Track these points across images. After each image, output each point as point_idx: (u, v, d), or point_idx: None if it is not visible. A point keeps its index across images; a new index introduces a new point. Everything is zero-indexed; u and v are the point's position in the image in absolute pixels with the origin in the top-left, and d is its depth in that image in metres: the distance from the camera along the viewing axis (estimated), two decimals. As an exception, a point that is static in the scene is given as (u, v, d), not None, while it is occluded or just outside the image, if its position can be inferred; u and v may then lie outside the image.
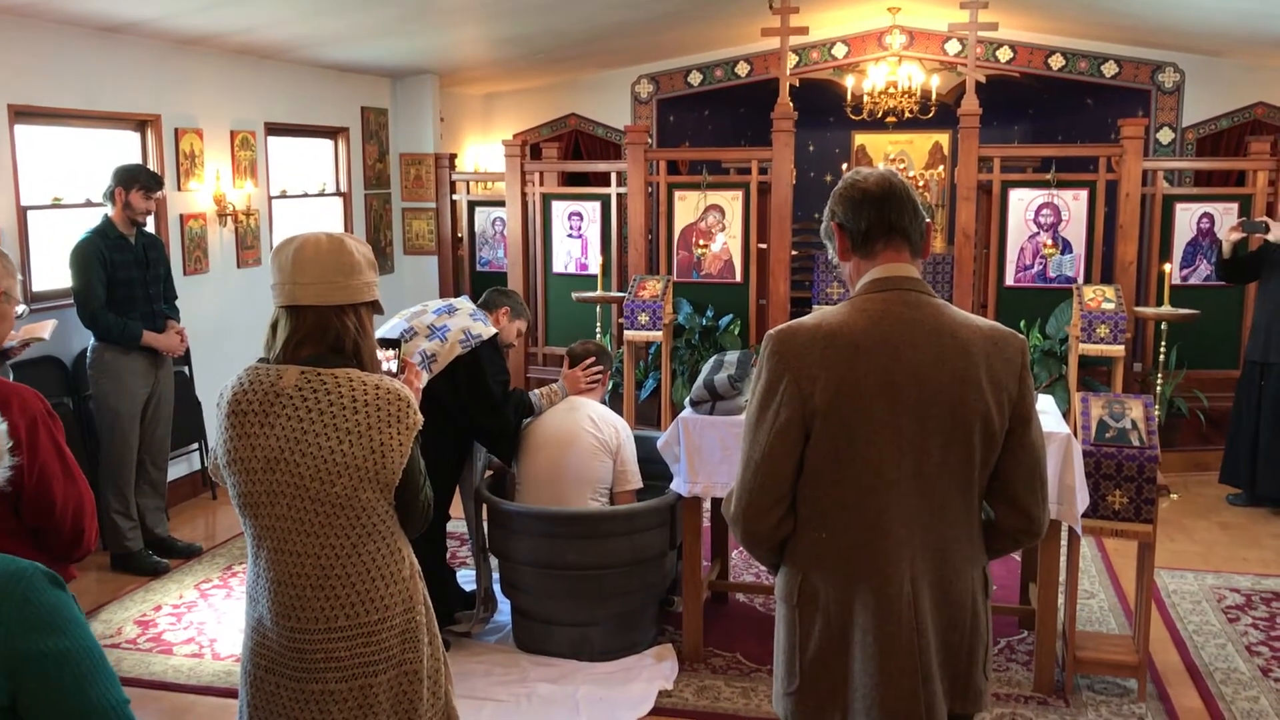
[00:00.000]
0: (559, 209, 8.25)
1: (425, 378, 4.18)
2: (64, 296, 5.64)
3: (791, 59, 8.78)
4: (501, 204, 8.52)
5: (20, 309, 2.91)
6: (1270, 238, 6.29)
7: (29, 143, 5.63)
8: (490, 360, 4.33)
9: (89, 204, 5.85)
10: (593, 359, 4.68)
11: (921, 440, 2.08)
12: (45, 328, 4.80)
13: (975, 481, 2.15)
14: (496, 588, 4.71)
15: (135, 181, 5.24)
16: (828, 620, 2.13)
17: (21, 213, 5.48)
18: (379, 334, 4.40)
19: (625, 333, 6.97)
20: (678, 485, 4.19)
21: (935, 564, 2.13)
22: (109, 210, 5.28)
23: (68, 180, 5.88)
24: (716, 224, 7.74)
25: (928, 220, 2.23)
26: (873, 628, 2.09)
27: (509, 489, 4.66)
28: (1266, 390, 6.17)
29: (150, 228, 5.77)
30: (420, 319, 4.37)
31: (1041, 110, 11.55)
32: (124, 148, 6.19)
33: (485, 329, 4.36)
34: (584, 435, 4.44)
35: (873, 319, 2.11)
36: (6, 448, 1.89)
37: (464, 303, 4.52)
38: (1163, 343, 6.83)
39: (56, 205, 5.79)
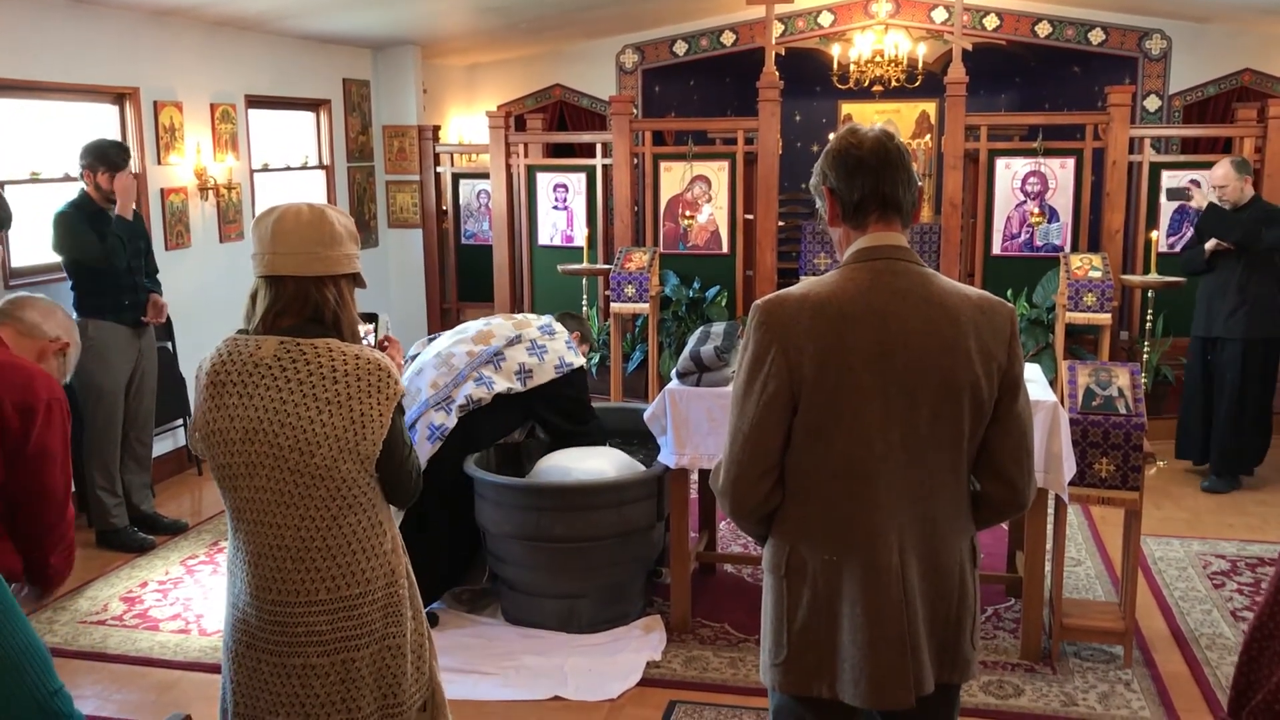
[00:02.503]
0: (544, 181, 8.19)
1: (518, 386, 4.50)
2: (43, 272, 5.59)
3: (777, 28, 8.72)
4: (486, 176, 8.46)
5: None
6: (1194, 204, 6.23)
7: (4, 116, 5.55)
8: (582, 389, 4.73)
9: (67, 178, 5.79)
10: None
11: (910, 410, 2.06)
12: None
13: (964, 451, 2.13)
14: None
15: (100, 163, 5.14)
16: (815, 591, 2.12)
17: (-2, 187, 5.42)
18: (472, 325, 4.59)
19: (612, 305, 6.95)
20: (665, 457, 4.18)
21: (924, 534, 2.11)
22: (85, 186, 5.22)
23: (45, 154, 5.81)
24: (703, 195, 7.70)
25: (920, 185, 2.21)
26: (861, 598, 2.08)
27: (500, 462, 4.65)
28: (1215, 365, 6.06)
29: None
30: (526, 331, 4.65)
31: (1028, 78, 11.51)
32: (102, 121, 6.11)
33: (577, 359, 4.68)
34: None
35: (861, 288, 2.09)
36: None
37: (559, 327, 4.80)
38: (1149, 310, 6.83)
39: (34, 180, 5.72)
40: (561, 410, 4.63)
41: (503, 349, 4.53)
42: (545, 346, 4.61)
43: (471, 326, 4.73)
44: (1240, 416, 6.01)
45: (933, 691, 2.14)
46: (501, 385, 4.45)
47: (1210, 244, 5.91)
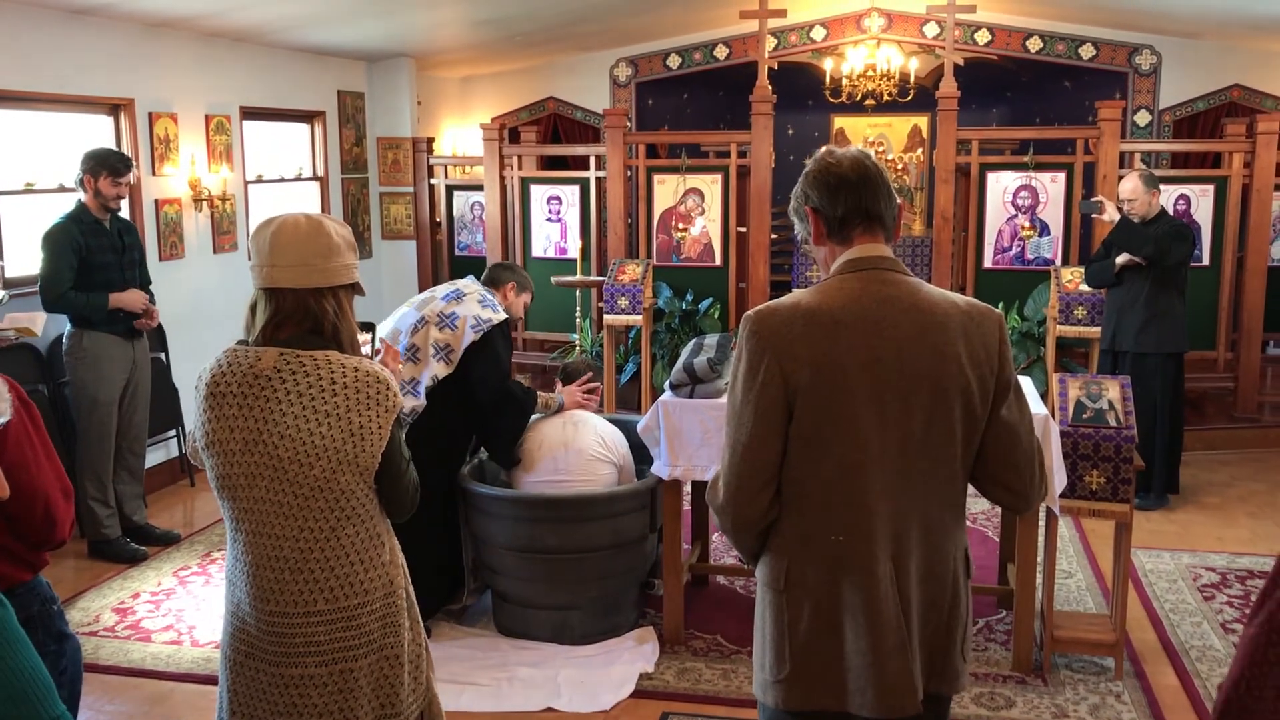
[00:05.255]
0: (538, 193, 8.22)
1: (443, 368, 4.24)
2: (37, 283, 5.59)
3: (770, 42, 8.76)
4: (480, 188, 8.48)
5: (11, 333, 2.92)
6: (1104, 218, 6.19)
7: None
8: (502, 347, 4.37)
9: (62, 189, 5.79)
10: (588, 376, 4.76)
11: (904, 417, 2.07)
12: (37, 322, 4.79)
13: (959, 458, 2.13)
14: None
15: (102, 167, 5.16)
16: (817, 603, 2.11)
17: (-7, 198, 5.43)
18: (385, 323, 4.44)
19: (605, 317, 6.96)
20: (658, 468, 4.19)
21: (919, 541, 2.12)
22: (82, 196, 5.22)
23: (40, 165, 5.81)
24: (696, 207, 7.73)
25: (900, 202, 2.23)
26: (862, 607, 2.08)
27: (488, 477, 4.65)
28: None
29: (125, 213, 5.71)
30: (429, 307, 4.38)
31: (1019, 93, 11.57)
32: (97, 132, 6.12)
33: (495, 314, 4.38)
34: (591, 450, 4.45)
35: (851, 297, 2.10)
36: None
37: (470, 285, 4.53)
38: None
39: (29, 190, 5.72)
40: (478, 369, 4.29)
41: (411, 340, 4.30)
42: (454, 313, 4.33)
43: (383, 328, 4.47)
44: (1170, 432, 5.97)
45: (923, 700, 2.14)
46: (427, 376, 4.25)
47: (1122, 258, 5.88)
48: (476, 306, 4.37)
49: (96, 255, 5.17)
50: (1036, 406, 3.94)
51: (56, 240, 5.08)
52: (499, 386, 4.37)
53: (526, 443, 4.50)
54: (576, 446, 4.44)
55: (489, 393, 4.35)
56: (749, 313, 2.14)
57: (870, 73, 9.54)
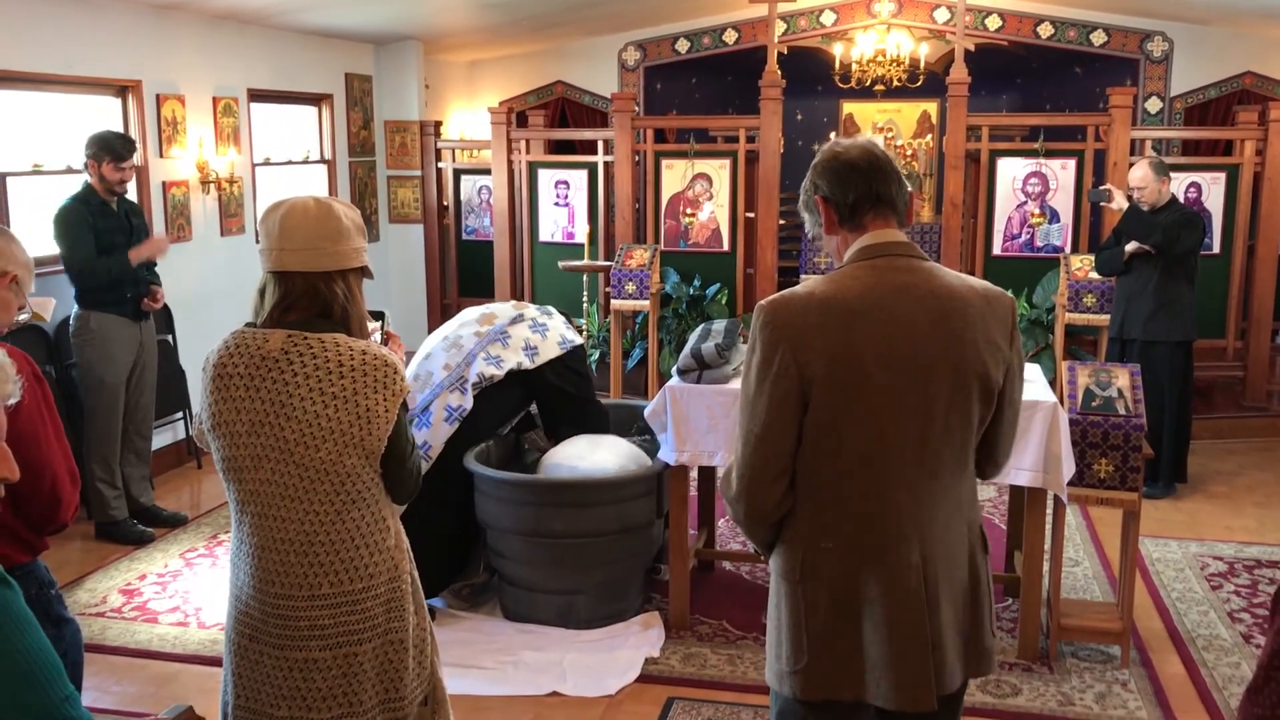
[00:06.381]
0: (545, 177, 8.20)
1: (528, 362, 4.60)
2: (45, 264, 5.58)
3: (779, 26, 8.72)
4: (487, 172, 8.46)
5: (24, 316, 2.91)
6: (1113, 206, 6.16)
7: (7, 108, 5.55)
8: (585, 364, 4.91)
9: (70, 170, 5.78)
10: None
11: (922, 404, 2.05)
12: (46, 307, 4.79)
13: (972, 441, 2.13)
14: None
15: (104, 153, 5.14)
16: (834, 594, 2.09)
17: (0, 180, 5.41)
18: (480, 308, 4.75)
19: (612, 302, 6.95)
20: (664, 454, 4.19)
21: (939, 529, 2.10)
22: (88, 178, 5.22)
23: (48, 146, 5.80)
24: (704, 193, 7.71)
25: (911, 190, 2.21)
26: (881, 598, 2.07)
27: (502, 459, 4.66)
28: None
29: (132, 195, 5.70)
30: (527, 310, 4.85)
31: (1030, 79, 11.52)
32: (105, 113, 6.11)
33: (577, 337, 4.86)
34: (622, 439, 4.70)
35: (866, 285, 2.08)
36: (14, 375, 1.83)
37: (555, 310, 5.01)
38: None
39: (37, 172, 5.72)
40: (569, 381, 4.73)
41: (507, 327, 4.67)
42: (546, 325, 4.78)
43: (474, 311, 4.85)
44: (1178, 421, 5.95)
45: (956, 689, 2.14)
46: (512, 361, 4.57)
47: (1131, 246, 5.83)
48: (563, 326, 4.86)
49: (104, 237, 5.17)
50: (1045, 394, 3.92)
51: (70, 216, 5.10)
52: (591, 394, 4.84)
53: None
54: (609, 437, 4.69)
55: (586, 393, 4.80)
56: (762, 302, 2.11)
57: (880, 58, 9.51)
